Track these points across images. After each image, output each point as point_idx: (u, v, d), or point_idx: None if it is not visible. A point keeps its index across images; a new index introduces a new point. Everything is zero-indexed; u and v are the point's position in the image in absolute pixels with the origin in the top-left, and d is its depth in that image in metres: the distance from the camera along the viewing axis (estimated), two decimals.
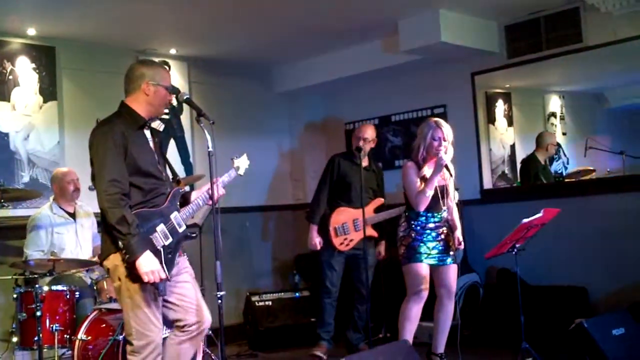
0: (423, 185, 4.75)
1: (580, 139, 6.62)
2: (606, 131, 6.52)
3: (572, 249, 5.99)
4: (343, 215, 5.83)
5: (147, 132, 3.69)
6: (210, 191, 3.70)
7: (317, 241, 5.87)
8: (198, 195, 3.80)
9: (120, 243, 3.41)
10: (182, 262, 3.77)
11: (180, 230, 3.64)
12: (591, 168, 6.43)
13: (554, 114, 6.88)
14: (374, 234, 5.85)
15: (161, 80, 3.65)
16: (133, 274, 3.43)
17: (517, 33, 6.30)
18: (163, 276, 3.45)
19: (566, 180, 6.47)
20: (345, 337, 6.04)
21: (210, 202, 3.74)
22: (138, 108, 3.64)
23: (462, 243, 4.90)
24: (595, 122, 6.83)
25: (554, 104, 6.94)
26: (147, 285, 3.46)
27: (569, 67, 6.37)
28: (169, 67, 6.76)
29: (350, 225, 5.81)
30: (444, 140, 4.74)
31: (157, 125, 3.73)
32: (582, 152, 6.48)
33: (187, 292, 3.71)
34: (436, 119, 4.95)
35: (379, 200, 5.91)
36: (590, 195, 5.96)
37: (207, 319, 3.76)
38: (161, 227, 3.56)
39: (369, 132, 5.91)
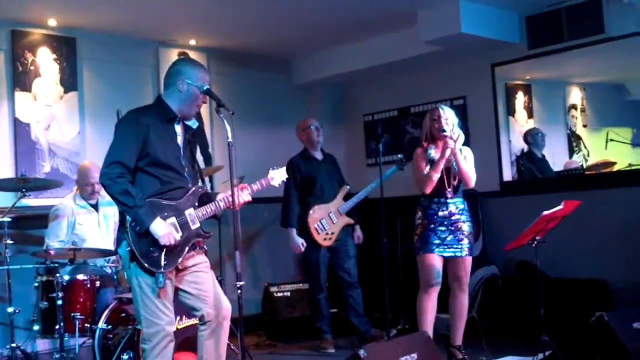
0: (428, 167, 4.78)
1: (601, 131, 6.57)
2: (628, 123, 6.44)
3: (593, 241, 5.94)
4: (317, 213, 5.95)
5: (178, 127, 3.73)
6: (232, 195, 3.66)
7: (299, 243, 5.98)
8: (221, 197, 3.78)
9: (127, 217, 3.49)
10: (200, 258, 3.78)
11: (193, 227, 3.66)
12: (612, 160, 6.36)
13: (574, 106, 6.82)
14: (351, 221, 6.01)
15: (196, 80, 3.67)
16: (140, 263, 3.49)
17: (538, 24, 6.25)
18: (178, 238, 3.53)
19: (587, 172, 6.42)
20: (351, 324, 6.09)
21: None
22: (171, 103, 3.69)
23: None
24: (617, 114, 6.74)
25: (575, 95, 6.87)
26: (152, 274, 3.51)
27: (590, 59, 6.30)
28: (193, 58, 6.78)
29: (327, 219, 5.93)
30: (444, 118, 4.76)
31: (192, 123, 3.77)
32: (603, 145, 6.43)
33: (203, 281, 3.73)
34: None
35: (345, 188, 6.06)
36: (611, 188, 5.91)
37: (226, 307, 3.76)
38: (172, 220, 3.59)
39: (314, 120, 6.20)
